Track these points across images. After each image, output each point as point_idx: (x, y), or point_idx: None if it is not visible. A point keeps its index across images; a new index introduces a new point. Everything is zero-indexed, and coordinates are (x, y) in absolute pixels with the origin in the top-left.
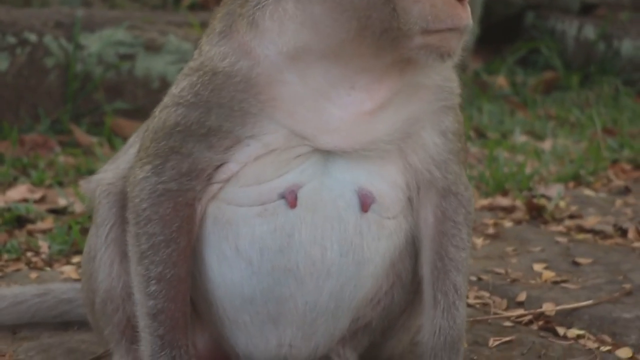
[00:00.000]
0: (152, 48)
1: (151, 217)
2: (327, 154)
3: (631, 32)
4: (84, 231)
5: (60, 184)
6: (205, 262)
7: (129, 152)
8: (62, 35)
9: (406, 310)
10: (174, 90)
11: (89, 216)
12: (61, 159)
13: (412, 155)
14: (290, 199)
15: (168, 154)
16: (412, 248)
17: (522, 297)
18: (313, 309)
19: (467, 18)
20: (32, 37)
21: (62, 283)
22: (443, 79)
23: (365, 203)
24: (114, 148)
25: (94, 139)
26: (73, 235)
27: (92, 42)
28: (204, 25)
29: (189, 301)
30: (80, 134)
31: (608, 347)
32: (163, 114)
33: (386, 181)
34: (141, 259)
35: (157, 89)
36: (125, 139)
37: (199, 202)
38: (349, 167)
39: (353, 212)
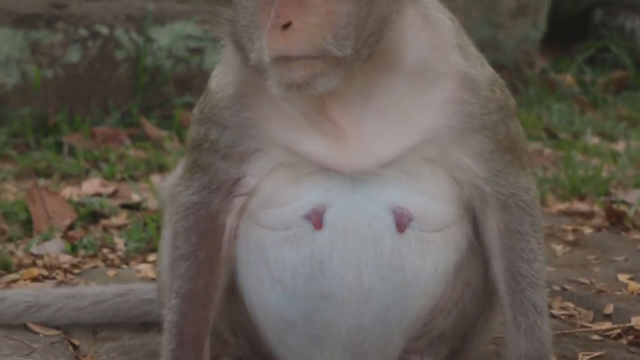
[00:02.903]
0: (220, 42)
1: (178, 230)
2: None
3: None
4: (160, 229)
5: (132, 177)
6: (246, 284)
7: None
8: (133, 29)
9: (482, 314)
10: (194, 109)
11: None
12: (131, 152)
13: (452, 171)
14: (316, 220)
15: (193, 168)
16: (478, 256)
17: (609, 309)
18: (358, 332)
19: (281, 48)
20: (104, 30)
21: (143, 283)
22: (459, 101)
23: (402, 221)
24: (183, 142)
25: (163, 133)
26: (149, 233)
27: (162, 36)
28: None
29: (206, 318)
30: (150, 128)
31: None
32: (189, 131)
33: (425, 195)
34: (169, 272)
35: None
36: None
37: (222, 218)
38: (381, 184)
39: (389, 232)
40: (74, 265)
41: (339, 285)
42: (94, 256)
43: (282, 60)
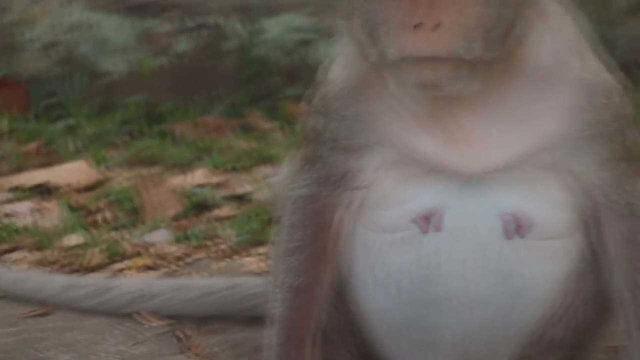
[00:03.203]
0: (331, 35)
1: (290, 222)
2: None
3: None
4: (268, 222)
5: (238, 169)
6: (355, 284)
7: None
8: (242, 19)
9: (594, 322)
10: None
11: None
12: (237, 143)
13: (568, 178)
14: (424, 224)
15: (307, 160)
16: (592, 264)
17: None
18: (463, 339)
19: (412, 48)
20: (213, 20)
21: (251, 276)
22: (579, 108)
23: (511, 229)
24: (289, 134)
25: (269, 125)
26: (256, 226)
27: (271, 27)
28: None
29: (311, 315)
30: (257, 119)
31: None
32: (306, 121)
33: (541, 201)
34: (279, 265)
35: None
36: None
37: (332, 213)
38: (494, 189)
39: (500, 239)
40: (181, 256)
41: (445, 291)
42: (200, 247)
43: (412, 60)
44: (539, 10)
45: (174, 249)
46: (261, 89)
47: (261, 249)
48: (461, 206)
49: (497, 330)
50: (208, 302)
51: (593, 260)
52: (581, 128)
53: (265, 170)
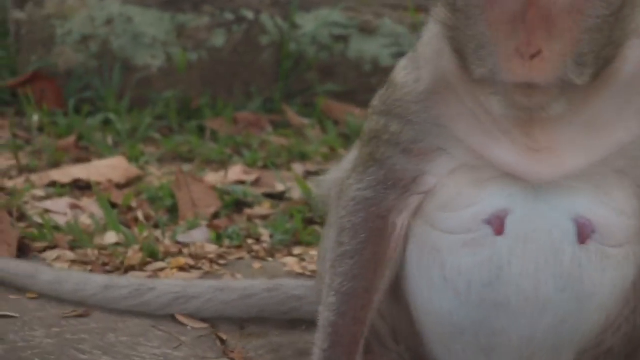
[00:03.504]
0: (367, 30)
1: (345, 225)
2: None
3: None
4: (306, 221)
5: (274, 165)
6: (415, 287)
7: (351, 153)
8: (278, 14)
9: None
10: (374, 99)
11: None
12: (273, 139)
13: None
14: (497, 225)
15: (368, 161)
16: None
17: None
18: (529, 343)
19: (526, 74)
20: (249, 15)
21: (291, 278)
22: None
23: (584, 233)
24: (325, 131)
25: (305, 120)
26: (295, 225)
27: (307, 22)
28: (419, 8)
29: (364, 321)
30: (292, 115)
31: None
32: (367, 122)
33: (610, 207)
34: (330, 268)
35: (369, 72)
36: (336, 121)
37: (394, 216)
38: (565, 193)
39: (570, 243)
40: (220, 256)
41: (515, 293)
42: (239, 247)
43: (524, 85)
44: (634, 28)
45: (213, 248)
46: (297, 85)
47: (300, 249)
48: (534, 209)
49: (562, 336)
50: (249, 305)
51: None
52: None
53: (301, 167)
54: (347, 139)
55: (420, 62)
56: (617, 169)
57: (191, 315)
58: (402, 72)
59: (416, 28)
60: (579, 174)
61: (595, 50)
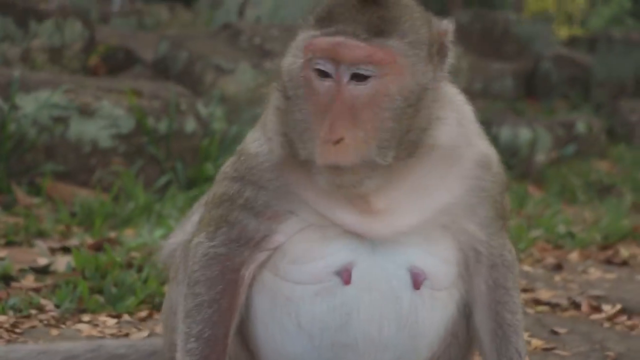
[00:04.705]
0: (86, 112)
1: (199, 278)
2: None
3: (508, 120)
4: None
5: (13, 243)
6: (266, 333)
7: (192, 218)
8: None
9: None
10: (224, 167)
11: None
12: (6, 218)
13: (459, 236)
14: (345, 277)
15: (219, 222)
16: (465, 310)
17: None
18: None
19: (332, 158)
20: None
21: (112, 339)
22: (475, 177)
23: (417, 280)
24: (55, 209)
25: (34, 200)
26: (78, 294)
27: (28, 103)
28: (135, 92)
29: None
30: (21, 194)
31: None
32: (215, 186)
33: (436, 257)
34: (186, 317)
35: (88, 153)
36: (62, 201)
37: (246, 269)
38: (400, 247)
39: (407, 290)
40: (14, 325)
41: (362, 335)
42: (27, 317)
43: (333, 168)
44: (444, 105)
45: (3, 319)
46: (19, 165)
47: (88, 316)
48: (375, 261)
49: None
50: None
51: (464, 308)
52: (477, 194)
53: (43, 243)
54: (77, 217)
55: (269, 134)
56: (442, 224)
57: None
58: (255, 143)
59: (132, 111)
60: (412, 231)
61: (397, 137)
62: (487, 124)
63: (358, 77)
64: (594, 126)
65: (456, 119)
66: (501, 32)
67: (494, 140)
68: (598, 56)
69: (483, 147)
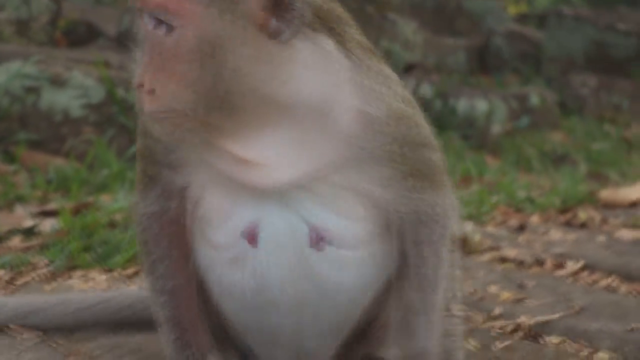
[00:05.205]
0: (57, 83)
1: (145, 238)
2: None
3: (464, 93)
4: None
5: None
6: (210, 291)
7: None
8: None
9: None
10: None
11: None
12: None
13: (362, 196)
14: (250, 238)
15: (144, 178)
16: (393, 268)
17: (497, 311)
18: (300, 334)
19: (147, 106)
20: None
21: (124, 290)
22: (355, 136)
23: (315, 238)
24: (31, 177)
25: (9, 168)
26: (69, 251)
27: (0, 74)
28: (106, 64)
29: (195, 308)
30: None
31: (589, 351)
32: (138, 143)
33: (340, 216)
34: (147, 276)
35: (60, 122)
36: (38, 168)
37: (183, 219)
38: (300, 206)
39: (308, 248)
40: (12, 278)
41: (280, 295)
42: (19, 273)
43: (152, 117)
44: (307, 62)
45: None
46: None
47: (79, 272)
48: (278, 219)
49: (323, 326)
50: (85, 315)
51: (392, 265)
52: (359, 152)
53: (21, 209)
54: (52, 183)
55: None
56: (335, 183)
57: (19, 326)
58: None
59: (102, 81)
60: (299, 186)
61: (209, 90)
62: (444, 96)
63: (167, 28)
64: (547, 99)
65: (325, 77)
66: (454, 8)
67: (452, 112)
68: (548, 32)
69: (361, 105)
